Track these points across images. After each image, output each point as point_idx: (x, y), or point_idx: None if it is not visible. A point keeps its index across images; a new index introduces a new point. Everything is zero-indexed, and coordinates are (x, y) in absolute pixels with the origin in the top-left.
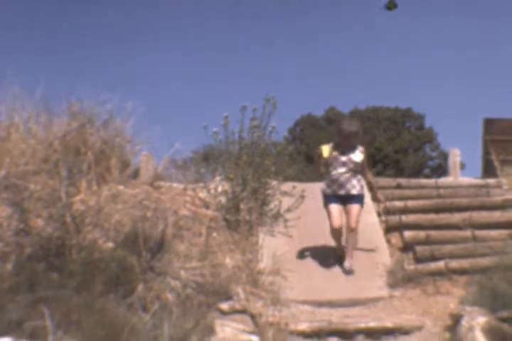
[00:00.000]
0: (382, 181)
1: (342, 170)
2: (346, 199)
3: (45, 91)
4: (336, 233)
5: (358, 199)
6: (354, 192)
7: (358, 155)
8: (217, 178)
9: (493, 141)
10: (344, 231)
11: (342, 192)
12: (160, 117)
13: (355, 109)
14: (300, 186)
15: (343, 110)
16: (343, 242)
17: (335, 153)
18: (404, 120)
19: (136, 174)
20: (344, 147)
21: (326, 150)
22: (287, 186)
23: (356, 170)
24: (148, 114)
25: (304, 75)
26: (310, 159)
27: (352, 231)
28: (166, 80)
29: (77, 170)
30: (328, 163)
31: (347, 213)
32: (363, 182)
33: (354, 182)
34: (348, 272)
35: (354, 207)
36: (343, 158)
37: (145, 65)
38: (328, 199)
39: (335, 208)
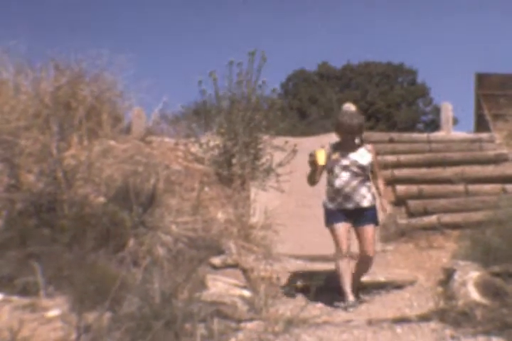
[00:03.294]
0: (375, 135)
1: (346, 176)
2: (355, 215)
3: (30, 46)
4: (343, 261)
5: (371, 215)
6: (365, 204)
7: (365, 157)
8: (209, 133)
9: (485, 96)
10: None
11: (350, 205)
12: (150, 73)
13: (348, 64)
14: (292, 141)
15: (336, 65)
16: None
17: (335, 156)
18: (397, 75)
19: (127, 129)
20: (346, 147)
21: (321, 155)
22: (279, 141)
23: (364, 175)
24: (138, 69)
25: (296, 30)
26: (302, 114)
27: (368, 260)
28: (154, 35)
29: (68, 126)
30: (328, 169)
31: (359, 237)
32: (374, 190)
33: (363, 191)
34: (347, 309)
35: (368, 230)
36: (345, 161)
37: (132, 19)
38: (332, 216)
39: (341, 228)
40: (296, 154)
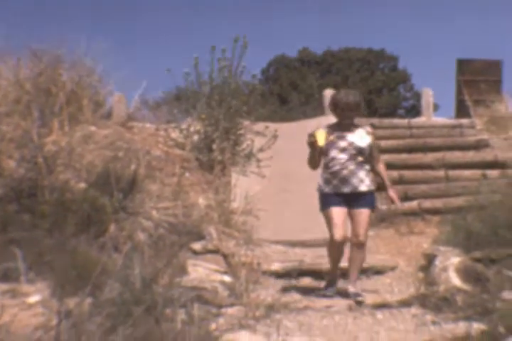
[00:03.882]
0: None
1: (343, 159)
2: (352, 200)
3: (8, 33)
4: (336, 249)
5: (368, 199)
6: (363, 188)
7: (364, 139)
8: (189, 118)
9: (466, 82)
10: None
11: (346, 189)
12: (131, 58)
13: (328, 49)
14: (273, 126)
15: (316, 51)
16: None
17: (331, 137)
18: (378, 61)
19: (108, 114)
20: (343, 128)
21: (321, 135)
22: (260, 126)
23: (363, 158)
24: (119, 54)
25: (276, 15)
26: (283, 100)
27: (360, 246)
28: (135, 21)
29: (49, 111)
30: (324, 151)
31: (352, 220)
32: (371, 175)
33: (361, 174)
34: (357, 300)
35: (363, 213)
36: (343, 143)
37: (116, 6)
38: (327, 199)
39: (337, 212)
40: (276, 139)
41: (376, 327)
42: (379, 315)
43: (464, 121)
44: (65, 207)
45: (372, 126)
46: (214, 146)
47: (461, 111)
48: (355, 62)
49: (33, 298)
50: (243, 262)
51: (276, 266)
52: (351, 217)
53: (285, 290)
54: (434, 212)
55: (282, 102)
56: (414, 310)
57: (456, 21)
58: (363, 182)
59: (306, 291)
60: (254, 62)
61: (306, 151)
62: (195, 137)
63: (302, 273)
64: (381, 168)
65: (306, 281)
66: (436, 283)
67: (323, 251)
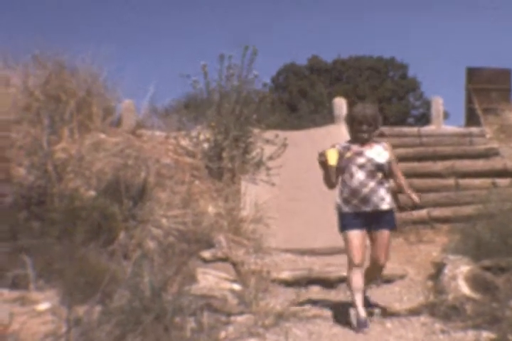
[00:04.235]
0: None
1: (362, 176)
2: (373, 219)
3: (16, 41)
4: (357, 274)
5: (389, 218)
6: (385, 206)
7: (382, 155)
8: (199, 126)
9: (476, 90)
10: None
11: (367, 208)
12: (141, 66)
13: (338, 58)
14: (282, 134)
15: (326, 59)
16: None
17: (349, 154)
18: (388, 69)
19: (118, 122)
20: (361, 144)
21: (333, 155)
22: (269, 134)
23: (382, 175)
24: (129, 62)
25: (286, 23)
26: (292, 108)
27: (380, 268)
28: (144, 29)
29: (59, 119)
30: (341, 169)
31: (373, 242)
32: (390, 192)
33: (382, 192)
34: (363, 325)
35: (384, 235)
36: (361, 159)
37: (124, 13)
38: (347, 221)
39: (357, 236)
40: (286, 148)
41: (385, 335)
42: (388, 323)
43: (474, 129)
44: (74, 215)
45: (382, 134)
46: (224, 154)
47: (471, 119)
48: (364, 71)
49: (43, 306)
50: (252, 270)
51: (285, 275)
52: (372, 238)
53: (295, 298)
54: (444, 220)
55: (292, 110)
56: (423, 318)
57: (466, 29)
58: (384, 200)
59: (315, 300)
60: (264, 70)
61: (315, 160)
62: (205, 145)
63: (311, 281)
64: (401, 178)
65: (315, 290)
66: (445, 291)
67: (332, 260)
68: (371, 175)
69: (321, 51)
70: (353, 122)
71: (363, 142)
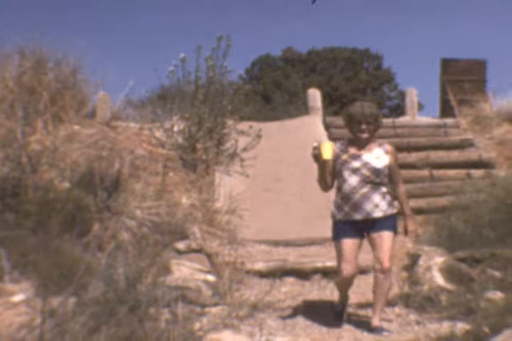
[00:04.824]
0: (339, 120)
1: (355, 181)
2: (366, 227)
3: None
4: (344, 282)
5: (387, 222)
6: (378, 214)
7: (381, 159)
8: (174, 118)
9: (450, 81)
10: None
11: (358, 216)
12: (115, 57)
13: (313, 49)
14: (257, 125)
15: (301, 50)
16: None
17: (345, 157)
18: (362, 60)
19: (93, 114)
20: (359, 145)
21: (326, 148)
22: (244, 126)
23: (379, 180)
24: (103, 54)
25: (260, 15)
26: (267, 99)
27: (384, 272)
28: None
29: (33, 110)
30: (336, 173)
31: (374, 246)
32: (389, 197)
33: (376, 198)
34: (378, 330)
35: (383, 236)
36: (356, 163)
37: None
38: (339, 229)
39: (349, 245)
40: (260, 139)
41: (360, 326)
42: (363, 314)
43: (449, 120)
44: (49, 207)
45: None
46: (198, 146)
47: (446, 110)
48: (339, 62)
49: (17, 297)
50: (227, 261)
51: (259, 266)
52: (371, 242)
53: (269, 289)
54: (418, 211)
55: (266, 101)
56: (398, 309)
57: (441, 21)
58: (378, 207)
59: (290, 290)
60: (239, 62)
61: (289, 151)
62: (179, 136)
63: (286, 272)
64: (401, 192)
65: (290, 281)
66: (420, 282)
67: (307, 251)
68: (364, 180)
69: (295, 42)
70: (351, 121)
71: (363, 143)
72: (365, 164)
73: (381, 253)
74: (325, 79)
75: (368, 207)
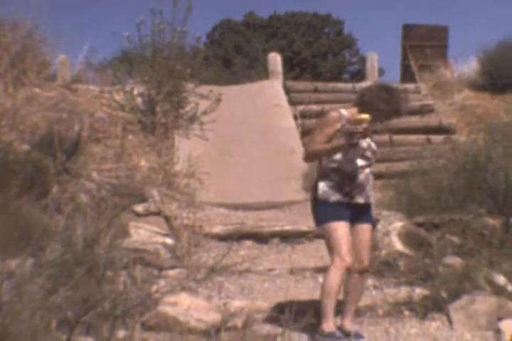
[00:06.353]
0: (300, 85)
1: (360, 161)
2: (359, 213)
3: None
4: (341, 278)
5: (371, 214)
6: (372, 200)
7: (373, 142)
8: (133, 81)
9: (411, 47)
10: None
11: (360, 199)
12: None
13: (274, 14)
14: (217, 89)
15: (262, 15)
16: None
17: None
18: (324, 25)
19: (53, 77)
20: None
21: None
22: (204, 89)
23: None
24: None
25: None
26: (227, 63)
27: (363, 273)
28: None
29: None
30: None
31: (358, 240)
32: None
33: (371, 183)
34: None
35: (368, 231)
36: (365, 143)
37: None
38: (333, 211)
39: (345, 230)
40: (220, 103)
41: (317, 290)
42: (320, 278)
43: (409, 86)
44: (7, 168)
45: (316, 89)
46: (157, 109)
47: (407, 76)
48: (300, 27)
49: None
50: (185, 225)
51: (218, 229)
52: (354, 234)
53: (226, 252)
54: (377, 176)
55: (227, 66)
56: None
57: None
58: (371, 194)
59: (247, 253)
60: (200, 26)
61: (249, 114)
62: (139, 100)
63: (244, 235)
64: None
65: (248, 244)
66: (378, 247)
67: (266, 214)
68: (367, 162)
69: (257, 7)
70: (379, 105)
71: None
72: (371, 147)
73: (364, 251)
74: (286, 44)
75: (368, 189)
